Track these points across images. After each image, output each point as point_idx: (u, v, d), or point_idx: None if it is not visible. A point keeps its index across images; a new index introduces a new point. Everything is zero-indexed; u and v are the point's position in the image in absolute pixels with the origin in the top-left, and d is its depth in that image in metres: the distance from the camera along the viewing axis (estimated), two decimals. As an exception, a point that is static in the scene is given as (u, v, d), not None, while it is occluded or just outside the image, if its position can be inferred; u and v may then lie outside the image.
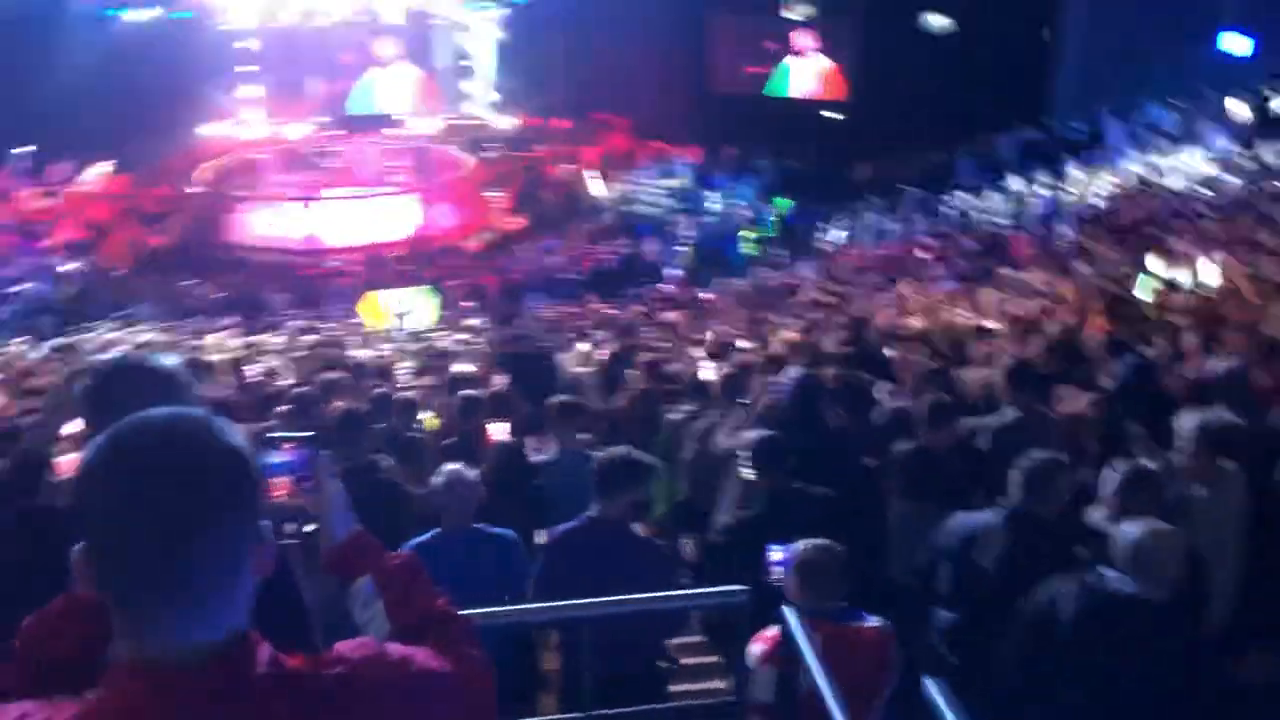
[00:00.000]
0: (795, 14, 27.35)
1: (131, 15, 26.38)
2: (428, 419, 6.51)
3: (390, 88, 30.79)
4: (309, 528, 1.95)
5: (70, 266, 21.84)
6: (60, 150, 27.34)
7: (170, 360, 2.30)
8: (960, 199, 22.18)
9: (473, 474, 4.40)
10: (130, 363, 2.35)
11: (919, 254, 18.95)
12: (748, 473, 4.63)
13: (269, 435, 2.01)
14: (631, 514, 4.37)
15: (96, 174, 27.00)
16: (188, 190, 25.39)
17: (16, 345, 13.77)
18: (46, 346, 13.87)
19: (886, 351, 8.08)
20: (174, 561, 1.33)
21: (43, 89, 25.56)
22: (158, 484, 1.33)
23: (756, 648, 3.40)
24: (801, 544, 3.61)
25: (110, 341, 11.28)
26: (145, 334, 15.18)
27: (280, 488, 1.90)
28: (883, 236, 21.61)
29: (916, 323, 10.28)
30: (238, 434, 1.43)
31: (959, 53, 24.77)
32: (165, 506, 1.33)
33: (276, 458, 1.94)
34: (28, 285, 20.33)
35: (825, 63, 27.67)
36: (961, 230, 20.04)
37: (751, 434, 4.95)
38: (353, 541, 1.93)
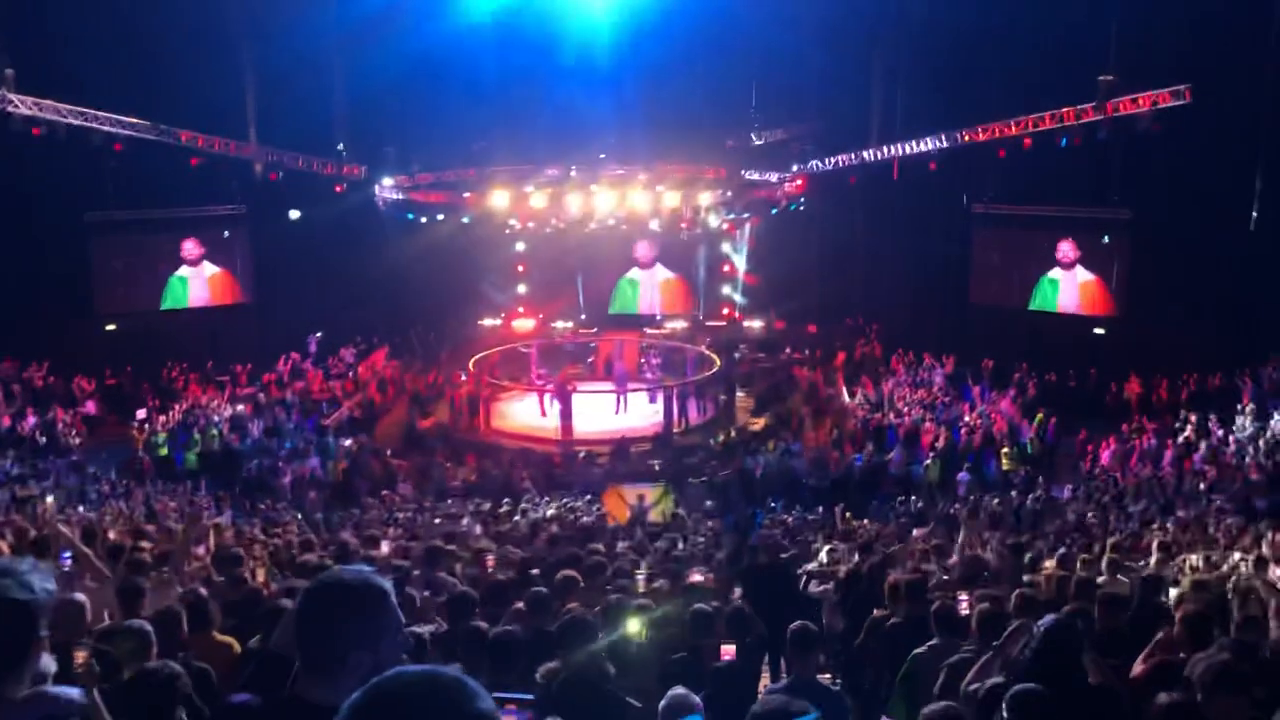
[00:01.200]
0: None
1: (424, 219, 29.09)
2: (636, 629, 6.23)
3: (646, 290, 32.44)
4: None
5: (346, 443, 23.48)
6: (346, 335, 30.20)
7: (373, 579, 2.33)
8: (1243, 424, 20.46)
9: (696, 700, 4.16)
10: (333, 580, 2.36)
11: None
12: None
13: (494, 697, 1.94)
14: None
15: (374, 358, 29.46)
16: (457, 378, 27.08)
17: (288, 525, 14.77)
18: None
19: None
20: None
21: (338, 281, 28.46)
22: None
23: None
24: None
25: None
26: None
27: None
28: (1145, 458, 20.11)
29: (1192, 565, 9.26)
30: (487, 699, 1.45)
31: (1244, 263, 23.14)
32: None
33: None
34: (306, 460, 21.96)
35: (1088, 276, 26.68)
36: (1246, 458, 18.39)
37: (1000, 682, 4.48)
38: None
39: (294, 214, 28.40)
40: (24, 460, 20.09)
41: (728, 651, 5.26)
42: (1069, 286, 27.06)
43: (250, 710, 2.51)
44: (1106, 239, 26.07)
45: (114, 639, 5.17)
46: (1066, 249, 26.93)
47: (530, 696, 2.04)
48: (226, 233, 28.76)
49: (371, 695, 1.41)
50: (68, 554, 6.49)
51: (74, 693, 1.70)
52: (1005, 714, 4.09)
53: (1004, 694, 4.55)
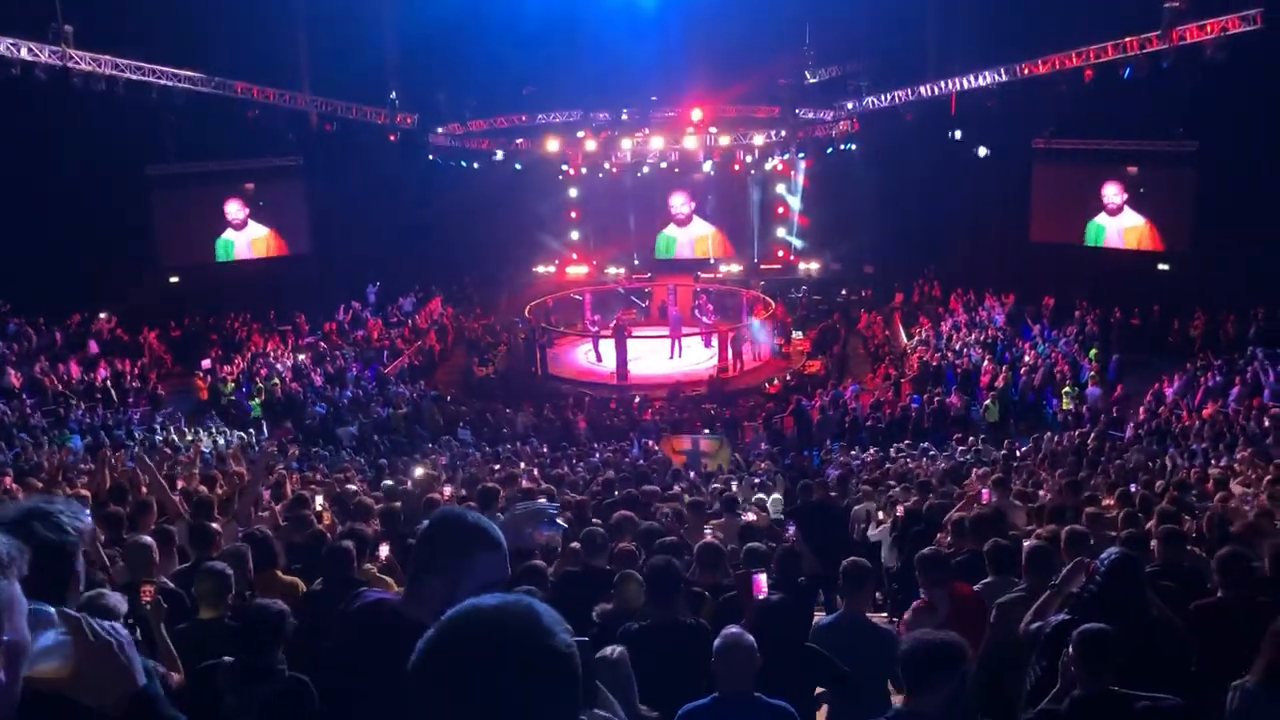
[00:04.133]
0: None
1: (478, 165, 29.12)
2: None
3: (684, 248, 32.35)
4: None
5: (405, 390, 23.85)
6: (404, 284, 30.53)
7: (476, 518, 2.58)
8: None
9: (750, 639, 4.22)
10: (444, 517, 2.63)
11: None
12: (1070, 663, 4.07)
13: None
14: (945, 713, 3.73)
15: (432, 307, 29.74)
16: (514, 324, 27.28)
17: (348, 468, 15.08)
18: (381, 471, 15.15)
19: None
20: None
21: (394, 230, 28.66)
22: (486, 682, 1.37)
23: None
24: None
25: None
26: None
27: None
28: (1210, 395, 19.71)
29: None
30: (564, 626, 1.46)
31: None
32: (492, 704, 1.36)
33: None
34: (371, 406, 22.35)
35: (1137, 220, 25.97)
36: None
37: (1066, 619, 4.47)
38: None
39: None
40: (96, 411, 20.65)
41: (760, 584, 5.26)
42: (1114, 235, 26.44)
43: (373, 610, 2.68)
44: (1142, 189, 25.46)
45: (192, 579, 5.36)
46: (1113, 193, 26.22)
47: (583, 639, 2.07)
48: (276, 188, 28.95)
49: (444, 630, 1.44)
50: (87, 512, 6.69)
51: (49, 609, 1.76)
52: (1073, 651, 4.06)
53: (1070, 630, 4.56)
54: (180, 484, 10.17)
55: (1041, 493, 11.12)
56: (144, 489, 8.64)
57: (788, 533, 7.19)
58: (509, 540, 3.18)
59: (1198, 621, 5.32)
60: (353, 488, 11.30)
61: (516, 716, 1.37)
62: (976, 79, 25.67)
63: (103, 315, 25.34)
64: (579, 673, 1.45)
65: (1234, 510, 8.18)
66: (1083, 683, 3.95)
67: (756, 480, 13.11)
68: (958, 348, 24.86)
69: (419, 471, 12.80)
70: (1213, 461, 13.78)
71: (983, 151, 26.90)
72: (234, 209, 28.50)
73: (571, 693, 1.44)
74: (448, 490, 10.29)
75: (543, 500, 4.35)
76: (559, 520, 3.24)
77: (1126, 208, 26.10)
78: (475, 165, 29.30)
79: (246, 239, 28.83)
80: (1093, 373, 22.05)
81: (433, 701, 1.39)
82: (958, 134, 27.23)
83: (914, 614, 5.66)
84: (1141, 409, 20.28)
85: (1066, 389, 21.44)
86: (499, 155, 29.26)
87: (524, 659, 1.39)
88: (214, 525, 6.66)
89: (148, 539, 5.69)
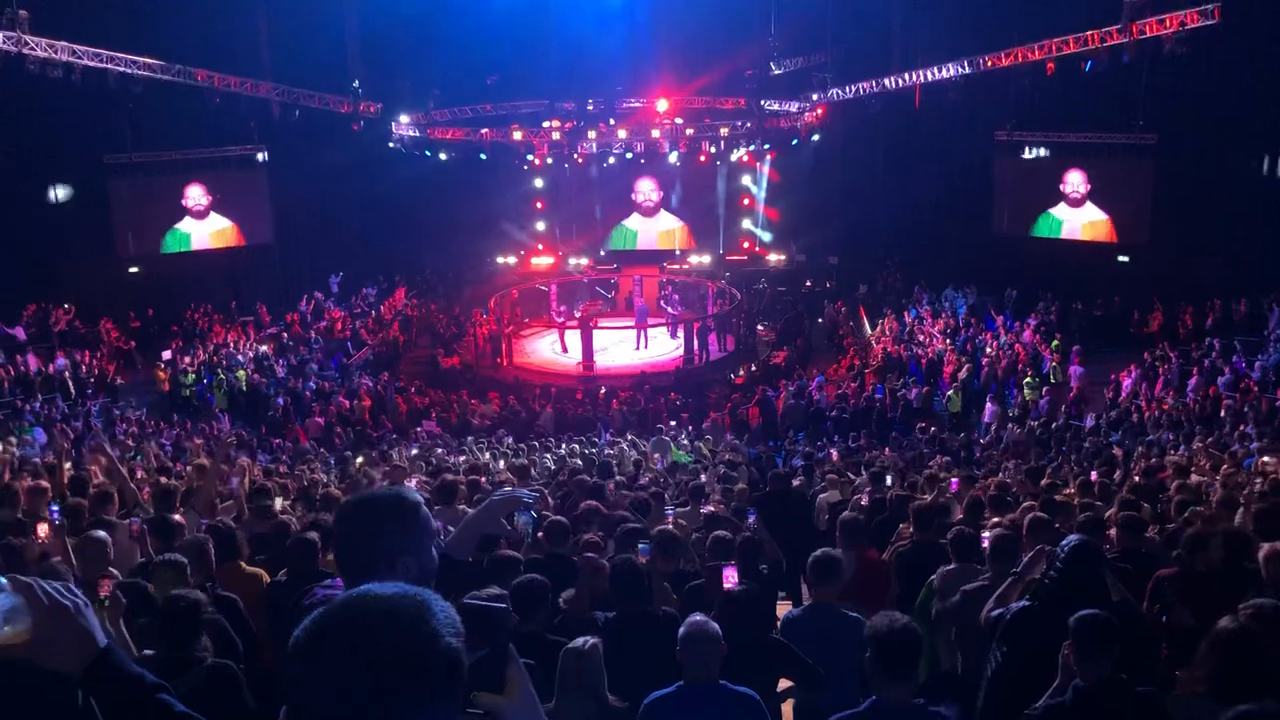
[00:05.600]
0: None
1: (443, 155, 28.92)
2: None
3: (651, 233, 32.26)
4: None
5: (369, 382, 23.69)
6: (368, 274, 30.32)
7: (406, 493, 2.56)
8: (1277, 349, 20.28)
9: (715, 627, 4.24)
10: (373, 495, 2.62)
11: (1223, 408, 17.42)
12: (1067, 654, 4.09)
13: (464, 602, 2.00)
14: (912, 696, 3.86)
15: (396, 297, 29.55)
16: (478, 315, 27.15)
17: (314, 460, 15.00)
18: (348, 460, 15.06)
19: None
20: None
21: (357, 219, 28.44)
22: (369, 671, 1.34)
23: None
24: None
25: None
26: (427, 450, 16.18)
27: None
28: (1169, 386, 20.04)
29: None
30: (455, 630, 1.42)
31: (1271, 188, 22.81)
32: (373, 694, 1.33)
33: None
34: (330, 398, 22.18)
35: (1098, 215, 26.34)
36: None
37: (1027, 605, 4.52)
38: None
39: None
40: (54, 402, 20.37)
41: (730, 577, 5.30)
42: (1073, 228, 26.79)
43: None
44: (1101, 182, 25.85)
45: (151, 572, 5.30)
46: (1077, 181, 26.54)
47: (502, 606, 2.05)
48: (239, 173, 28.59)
49: (332, 612, 1.40)
50: (55, 507, 6.61)
51: None
52: (1072, 639, 4.04)
53: (1031, 616, 4.60)
54: (140, 474, 10.06)
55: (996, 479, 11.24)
56: (98, 474, 8.54)
57: (748, 521, 7.24)
58: (483, 527, 3.17)
59: (1154, 592, 5.48)
60: (319, 478, 11.22)
61: (381, 712, 1.34)
62: (940, 71, 25.84)
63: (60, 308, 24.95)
64: (459, 677, 1.41)
65: (1192, 497, 8.31)
66: (1083, 672, 3.95)
67: (721, 470, 13.14)
68: (921, 339, 25.07)
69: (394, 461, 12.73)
70: (1170, 451, 13.99)
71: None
72: (196, 194, 28.07)
73: (448, 696, 1.40)
74: (413, 482, 10.25)
75: (520, 489, 4.34)
76: (533, 510, 3.24)
77: (1089, 201, 26.41)
78: (440, 155, 29.10)
79: (205, 230, 28.45)
80: (1054, 364, 22.29)
81: (305, 681, 1.37)
82: None
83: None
84: (1104, 397, 20.59)
85: (1028, 380, 21.68)
86: (461, 148, 29.01)
87: (402, 653, 1.35)
88: (176, 517, 6.59)
89: (102, 534, 5.62)
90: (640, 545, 6.01)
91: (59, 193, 25.98)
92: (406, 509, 2.49)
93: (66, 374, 21.96)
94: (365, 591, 1.42)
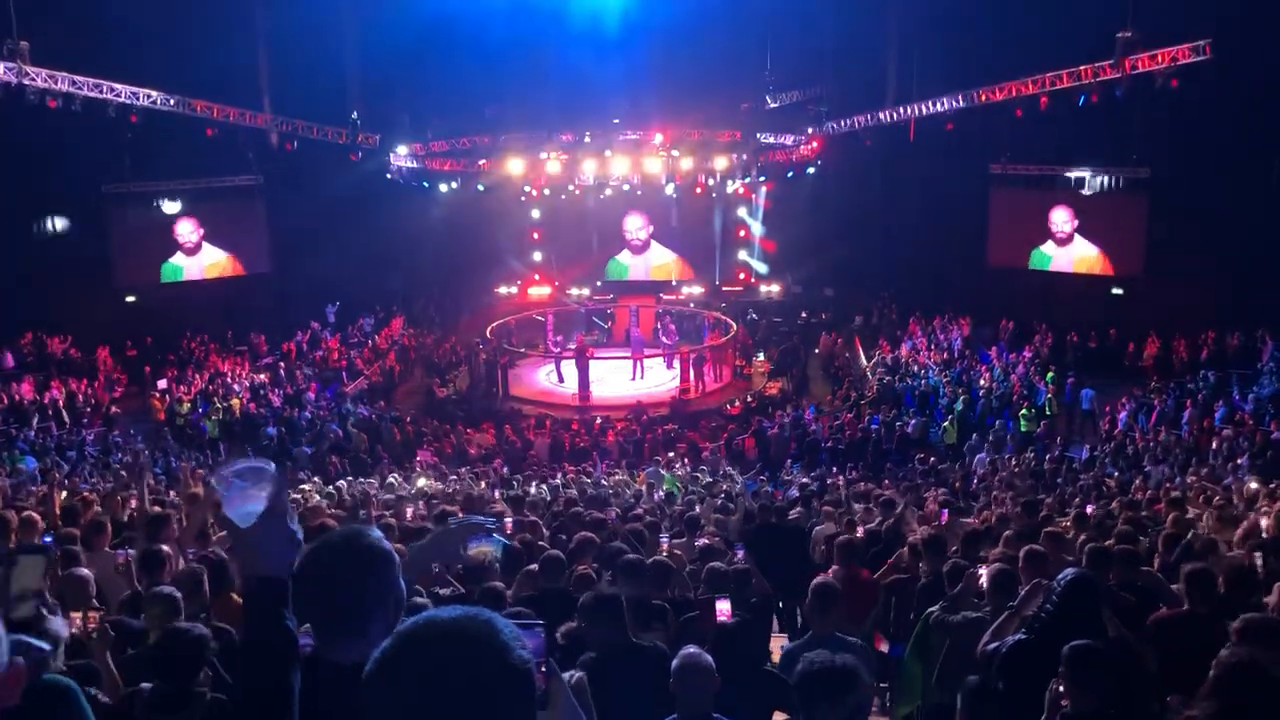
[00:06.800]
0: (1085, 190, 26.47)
1: (443, 187, 29.03)
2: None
3: (644, 267, 32.35)
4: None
5: (365, 412, 23.64)
6: (365, 304, 30.33)
7: (375, 539, 2.31)
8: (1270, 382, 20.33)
9: (708, 659, 4.20)
10: (335, 541, 2.36)
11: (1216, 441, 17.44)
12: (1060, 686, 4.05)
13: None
14: None
15: (392, 327, 29.54)
16: (475, 345, 27.15)
17: (309, 485, 14.93)
18: (342, 486, 14.98)
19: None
20: None
21: (354, 250, 28.47)
22: (439, 694, 1.37)
23: None
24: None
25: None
26: (421, 480, 16.11)
27: None
28: (1163, 418, 20.05)
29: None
30: (521, 643, 1.46)
31: (1264, 221, 22.91)
32: (457, 716, 1.37)
33: None
34: (326, 426, 22.12)
35: (1090, 250, 26.55)
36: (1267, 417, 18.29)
37: (1023, 639, 4.49)
38: None
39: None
40: (48, 432, 20.31)
41: (724, 611, 5.28)
42: (1063, 263, 27.03)
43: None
44: (1094, 216, 25.94)
45: (142, 605, 5.25)
46: (1062, 220, 26.73)
47: (541, 623, 2.06)
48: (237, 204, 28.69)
49: (401, 642, 1.43)
50: (49, 538, 6.58)
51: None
52: (1063, 669, 4.01)
53: (1027, 650, 4.57)
54: (133, 504, 9.99)
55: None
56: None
57: (736, 555, 7.23)
58: (437, 555, 3.11)
59: (1154, 634, 5.41)
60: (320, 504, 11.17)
61: None
62: (935, 105, 26.03)
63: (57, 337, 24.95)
64: (533, 690, 1.45)
65: (1188, 530, 8.28)
66: (1074, 702, 3.92)
67: (718, 502, 13.09)
68: (916, 370, 25.09)
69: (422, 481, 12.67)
70: (1165, 484, 13.97)
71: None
72: (186, 230, 28.16)
73: (526, 709, 1.44)
74: (409, 511, 10.23)
75: (479, 516, 4.29)
76: (496, 535, 3.09)
77: (1077, 236, 26.58)
78: (438, 186, 29.19)
79: (199, 264, 28.53)
80: (1050, 395, 22.30)
81: (386, 711, 1.39)
82: None
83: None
84: (1099, 429, 20.59)
85: (1024, 411, 21.67)
86: (459, 179, 29.10)
87: (479, 673, 1.39)
88: (164, 548, 6.54)
89: (85, 571, 5.56)
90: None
91: (57, 222, 26.07)
92: (382, 557, 2.28)
93: (61, 403, 21.90)
94: (432, 616, 1.46)
